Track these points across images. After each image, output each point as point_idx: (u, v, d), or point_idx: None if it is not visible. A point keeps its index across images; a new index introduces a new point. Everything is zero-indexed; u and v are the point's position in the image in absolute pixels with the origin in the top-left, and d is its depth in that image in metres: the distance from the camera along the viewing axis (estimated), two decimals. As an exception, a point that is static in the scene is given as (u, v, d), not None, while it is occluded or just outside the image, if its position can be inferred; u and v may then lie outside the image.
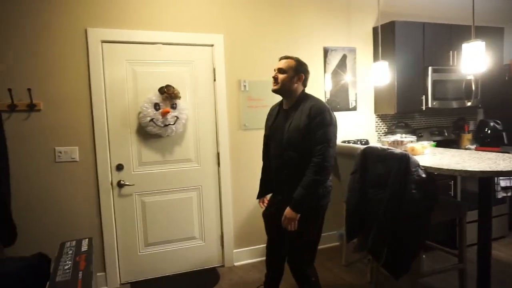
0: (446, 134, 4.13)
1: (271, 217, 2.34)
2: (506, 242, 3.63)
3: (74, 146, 2.76)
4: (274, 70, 2.22)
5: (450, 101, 3.76)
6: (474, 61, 2.34)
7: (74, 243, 1.94)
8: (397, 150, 2.31)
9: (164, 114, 2.87)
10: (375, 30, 3.66)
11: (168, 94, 2.89)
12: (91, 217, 2.84)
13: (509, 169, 2.01)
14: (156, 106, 2.87)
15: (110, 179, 2.86)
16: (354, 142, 3.48)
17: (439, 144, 3.93)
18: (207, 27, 3.09)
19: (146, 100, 2.87)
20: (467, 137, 4.07)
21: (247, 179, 3.29)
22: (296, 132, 2.08)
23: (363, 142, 3.53)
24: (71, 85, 2.73)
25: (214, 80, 3.14)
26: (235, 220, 3.29)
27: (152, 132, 2.90)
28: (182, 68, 3.05)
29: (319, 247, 3.63)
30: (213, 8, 3.11)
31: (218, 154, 3.18)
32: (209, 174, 3.19)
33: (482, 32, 3.90)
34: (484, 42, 2.32)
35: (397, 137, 2.88)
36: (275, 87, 2.21)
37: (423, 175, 2.21)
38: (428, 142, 2.84)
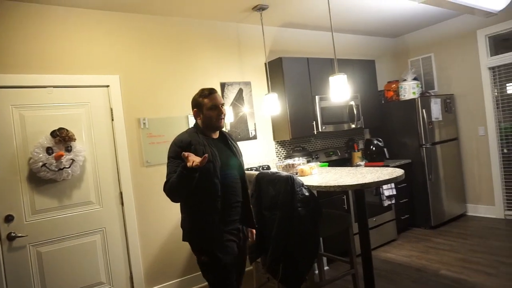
0: (339, 153, 4.62)
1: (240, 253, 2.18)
2: (396, 244, 4.11)
3: (-48, 201, 2.53)
4: (219, 106, 2.15)
5: (339, 124, 4.24)
6: (339, 90, 2.73)
7: None
8: (284, 173, 2.56)
9: (58, 158, 2.79)
10: (266, 65, 4.03)
11: (62, 137, 2.83)
12: (-24, 277, 2.58)
13: (371, 181, 2.36)
14: (49, 150, 2.78)
15: (-2, 233, 2.66)
16: (257, 169, 3.71)
17: (334, 163, 4.38)
18: (102, 69, 3.13)
19: (37, 145, 2.77)
20: (357, 155, 4.59)
21: (154, 214, 3.30)
22: (241, 156, 2.31)
23: (265, 168, 3.79)
24: None
25: (112, 119, 3.16)
26: (144, 259, 3.24)
27: (45, 178, 2.79)
28: (77, 109, 3.02)
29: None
30: (107, 50, 3.17)
31: (121, 193, 3.16)
32: (113, 214, 3.13)
33: (359, 64, 4.55)
34: (345, 75, 2.73)
35: (289, 161, 3.17)
36: (224, 123, 2.22)
37: (307, 194, 2.47)
38: (316, 163, 3.18)
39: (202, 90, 2.21)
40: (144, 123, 3.29)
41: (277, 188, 2.56)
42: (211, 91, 2.19)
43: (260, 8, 3.49)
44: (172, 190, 1.96)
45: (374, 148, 4.54)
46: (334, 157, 4.55)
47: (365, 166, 4.32)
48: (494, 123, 4.59)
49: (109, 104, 3.15)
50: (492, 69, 4.59)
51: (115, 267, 3.12)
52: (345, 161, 4.59)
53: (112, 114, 3.15)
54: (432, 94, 4.87)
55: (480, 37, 4.62)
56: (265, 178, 2.69)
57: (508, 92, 4.53)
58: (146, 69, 3.35)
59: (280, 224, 2.48)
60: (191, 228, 2.08)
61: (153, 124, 3.33)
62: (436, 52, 5.09)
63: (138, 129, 3.27)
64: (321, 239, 3.42)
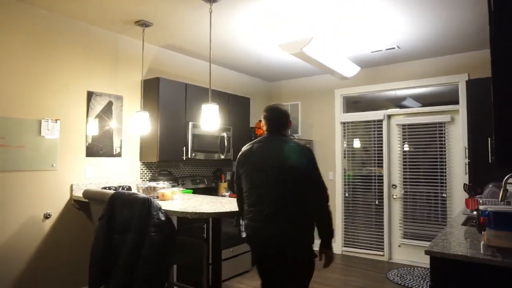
0: (206, 182, 4.66)
1: None
2: (248, 276, 4.25)
3: None
4: None
5: (209, 153, 4.30)
6: (210, 119, 2.80)
7: None
8: (142, 195, 2.43)
9: None
10: (142, 82, 3.89)
11: None
12: None
13: (229, 210, 2.42)
14: None
15: None
16: (116, 189, 3.44)
17: (200, 191, 4.38)
18: None
19: None
20: (223, 185, 4.71)
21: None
22: None
23: (126, 188, 3.55)
24: None
25: None
26: None
27: None
28: None
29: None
30: None
31: None
32: None
33: (235, 98, 4.77)
34: (217, 106, 2.82)
35: (151, 183, 3.04)
36: None
37: (163, 218, 2.38)
38: (178, 188, 3.12)
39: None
40: (-21, 121, 2.75)
41: (132, 210, 2.40)
42: None
43: (144, 24, 3.40)
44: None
45: (239, 181, 4.72)
46: (201, 185, 4.55)
47: (230, 197, 4.44)
48: (341, 170, 5.32)
49: None
50: (343, 123, 5.37)
51: None
52: (211, 191, 4.65)
53: None
54: (295, 138, 5.41)
55: (337, 96, 5.40)
56: (121, 199, 2.50)
57: (354, 146, 5.35)
58: (-6, 59, 2.86)
59: (130, 249, 2.31)
60: (312, 232, 2.13)
61: (-9, 124, 2.81)
62: (303, 101, 5.73)
63: (-30, 126, 2.71)
64: (175, 267, 3.31)
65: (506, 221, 1.65)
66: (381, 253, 4.93)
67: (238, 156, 2.30)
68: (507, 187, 2.38)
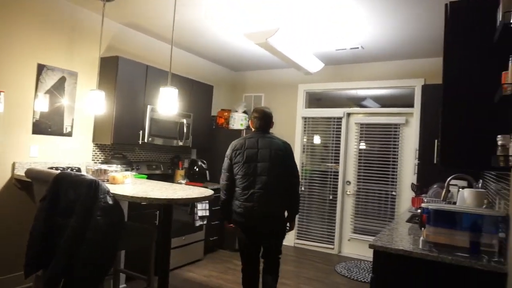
0: (163, 168, 4.54)
1: None
2: (200, 264, 4.22)
3: None
4: None
5: (167, 139, 4.20)
6: (168, 103, 2.71)
7: None
8: (88, 176, 2.32)
9: None
10: (100, 60, 3.69)
11: None
12: None
13: (180, 197, 2.37)
14: None
15: None
16: (64, 169, 3.26)
17: (156, 177, 4.27)
18: None
19: None
20: (180, 173, 4.61)
21: None
22: None
23: (75, 170, 3.37)
24: None
25: None
26: None
27: None
28: None
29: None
30: None
31: None
32: None
33: (198, 85, 4.69)
34: (177, 90, 2.74)
35: (102, 166, 2.91)
36: None
37: (111, 202, 2.28)
38: (131, 172, 3.02)
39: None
40: None
41: (78, 192, 2.28)
42: None
43: (104, -2, 3.22)
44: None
45: (197, 169, 4.67)
46: (157, 171, 4.44)
47: (186, 184, 4.36)
48: (299, 164, 5.39)
49: None
50: (304, 118, 5.44)
51: None
52: (167, 177, 4.55)
53: None
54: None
55: (300, 90, 5.46)
56: (66, 179, 2.37)
57: (314, 141, 5.43)
58: None
59: (72, 231, 2.19)
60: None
61: None
62: (266, 93, 5.74)
63: None
64: (123, 254, 3.21)
65: (444, 219, 1.74)
66: (332, 246, 5.09)
67: (232, 147, 2.82)
68: (450, 188, 2.52)
